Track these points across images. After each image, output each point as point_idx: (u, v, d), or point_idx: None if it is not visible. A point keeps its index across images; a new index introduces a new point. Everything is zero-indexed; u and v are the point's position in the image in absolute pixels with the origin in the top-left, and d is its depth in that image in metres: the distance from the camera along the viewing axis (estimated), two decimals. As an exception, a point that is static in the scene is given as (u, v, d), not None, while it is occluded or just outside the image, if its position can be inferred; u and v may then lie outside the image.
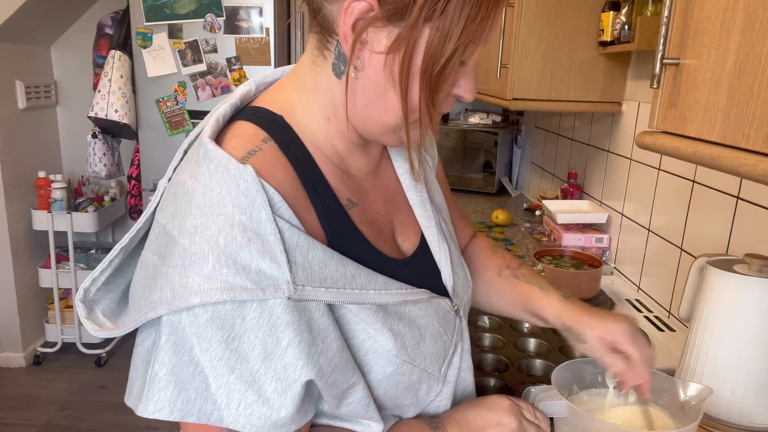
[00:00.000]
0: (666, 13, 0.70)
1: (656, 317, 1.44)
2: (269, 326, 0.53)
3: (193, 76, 2.53)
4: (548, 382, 0.81)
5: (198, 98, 2.56)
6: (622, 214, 1.79)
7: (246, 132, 0.61)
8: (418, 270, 0.71)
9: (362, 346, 0.61)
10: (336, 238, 0.61)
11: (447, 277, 0.74)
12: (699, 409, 0.75)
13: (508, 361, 1.20)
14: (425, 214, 0.75)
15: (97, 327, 0.60)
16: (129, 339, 3.19)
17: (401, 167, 0.76)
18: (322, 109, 0.63)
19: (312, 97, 0.64)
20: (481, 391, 1.03)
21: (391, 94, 0.58)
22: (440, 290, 0.72)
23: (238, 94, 0.66)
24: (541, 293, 0.85)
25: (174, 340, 0.53)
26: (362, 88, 0.59)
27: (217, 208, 0.53)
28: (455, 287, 0.75)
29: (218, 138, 0.60)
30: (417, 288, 0.67)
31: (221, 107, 0.63)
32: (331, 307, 0.58)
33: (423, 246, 0.74)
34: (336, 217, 0.63)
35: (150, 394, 0.53)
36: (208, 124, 0.60)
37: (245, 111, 0.64)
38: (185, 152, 0.62)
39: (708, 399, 0.79)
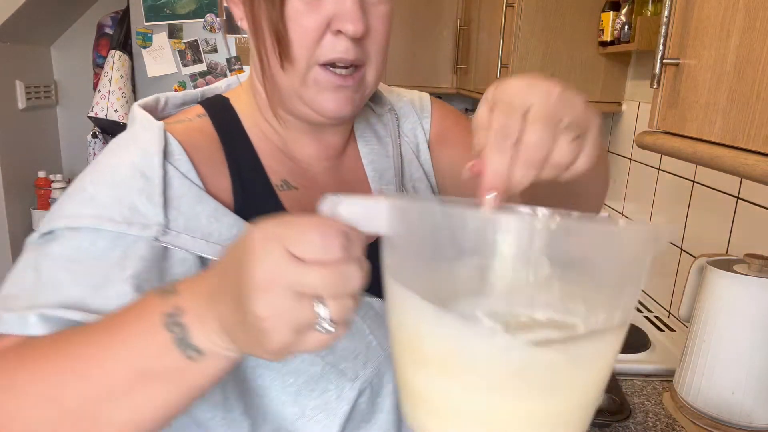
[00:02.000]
0: (666, 13, 0.70)
1: (656, 317, 1.44)
2: (118, 259, 0.51)
3: (193, 76, 2.53)
4: None
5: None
6: (622, 214, 1.79)
7: (188, 110, 0.65)
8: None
9: None
10: (249, 209, 0.60)
11: None
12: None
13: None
14: None
15: None
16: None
17: (367, 157, 0.72)
18: (251, 85, 0.65)
19: (251, 76, 0.66)
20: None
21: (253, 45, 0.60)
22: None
23: (204, 88, 0.71)
24: None
25: (25, 255, 0.54)
26: (252, 48, 0.61)
27: (117, 150, 0.56)
28: None
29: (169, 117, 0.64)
30: None
31: (173, 92, 0.69)
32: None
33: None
34: (256, 189, 0.62)
35: None
36: (146, 98, 0.64)
37: (205, 98, 0.69)
38: None
39: (707, 398, 0.78)
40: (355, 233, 0.38)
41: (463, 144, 0.76)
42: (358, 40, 0.58)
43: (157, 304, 0.42)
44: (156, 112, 0.65)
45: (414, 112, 0.79)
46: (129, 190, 0.53)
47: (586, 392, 0.40)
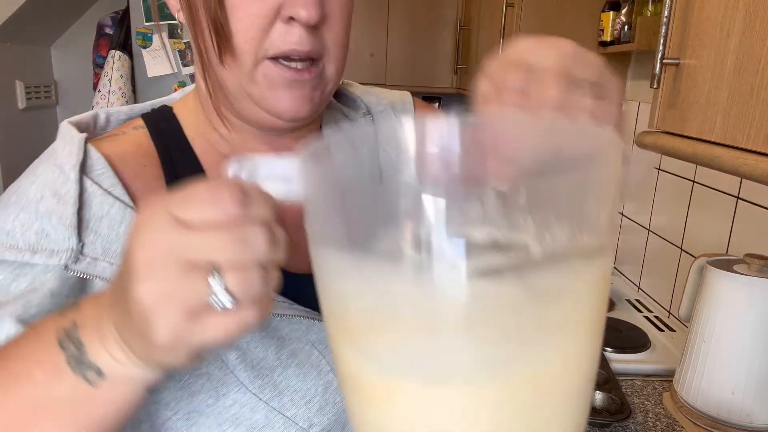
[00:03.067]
0: (666, 13, 0.70)
1: (656, 317, 1.44)
2: (22, 293, 0.44)
3: (193, 76, 2.53)
4: None
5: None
6: (622, 214, 1.79)
7: (128, 124, 0.58)
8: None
9: None
10: None
11: None
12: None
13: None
14: None
15: None
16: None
17: None
18: (196, 92, 0.59)
19: (196, 83, 0.59)
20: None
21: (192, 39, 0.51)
22: None
23: (157, 99, 0.64)
24: None
25: None
26: (192, 42, 0.53)
27: (33, 168, 0.50)
28: None
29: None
30: (298, 304, 0.51)
31: (118, 107, 0.62)
32: None
33: None
34: None
35: None
36: (83, 114, 0.58)
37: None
38: None
39: (707, 398, 0.78)
40: (256, 191, 0.32)
41: None
42: (314, 29, 0.50)
43: (56, 321, 0.36)
44: (93, 129, 0.57)
45: (393, 116, 0.71)
46: (37, 213, 0.46)
47: (565, 351, 0.29)
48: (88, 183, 0.48)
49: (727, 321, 0.91)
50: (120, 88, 2.54)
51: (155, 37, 2.47)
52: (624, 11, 1.53)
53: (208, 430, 0.47)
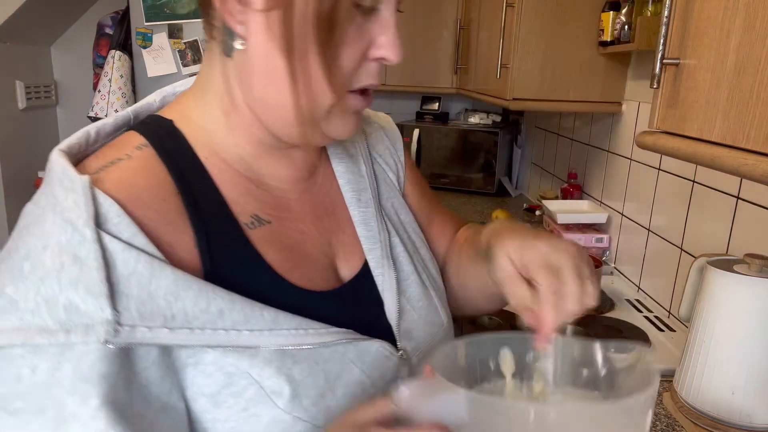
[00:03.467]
0: (666, 13, 0.70)
1: (656, 317, 1.44)
2: (71, 381, 0.40)
3: (193, 76, 2.53)
4: None
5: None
6: (622, 214, 1.79)
7: (123, 141, 0.52)
8: (353, 302, 0.58)
9: (242, 395, 0.47)
10: (219, 265, 0.50)
11: (391, 312, 0.59)
12: (649, 372, 0.49)
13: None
14: (369, 234, 0.62)
15: None
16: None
17: (343, 177, 0.65)
18: (218, 102, 0.54)
19: (208, 92, 0.55)
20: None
21: (281, 63, 0.49)
22: (380, 328, 0.58)
23: (135, 106, 0.58)
24: (483, 226, 0.69)
25: None
26: (253, 62, 0.50)
27: (34, 227, 0.43)
28: (404, 324, 0.60)
29: (99, 152, 0.52)
30: (332, 326, 0.53)
31: (103, 120, 0.55)
32: (177, 352, 0.46)
33: (366, 272, 0.61)
34: (224, 239, 0.51)
35: None
36: (72, 136, 0.51)
37: (139, 122, 0.57)
38: None
39: (707, 398, 0.78)
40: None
41: (419, 184, 0.77)
42: None
43: None
44: (85, 148, 0.52)
45: (386, 138, 0.74)
46: (60, 285, 0.41)
47: None
48: (106, 239, 0.43)
49: (727, 321, 0.91)
50: (120, 88, 2.54)
51: (155, 37, 2.47)
52: (624, 11, 1.53)
53: None
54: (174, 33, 2.48)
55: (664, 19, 0.70)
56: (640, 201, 1.66)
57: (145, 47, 2.50)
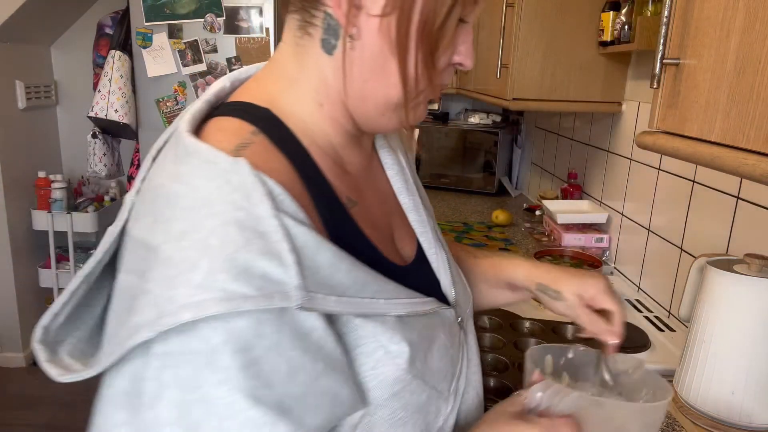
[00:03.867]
0: (666, 13, 0.70)
1: (656, 317, 1.44)
2: (291, 340, 0.45)
3: (193, 76, 2.53)
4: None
5: (198, 98, 2.56)
6: (622, 214, 1.79)
7: (230, 126, 0.54)
8: (418, 279, 0.65)
9: (371, 356, 0.53)
10: (338, 240, 0.53)
11: (447, 287, 0.68)
12: (665, 388, 0.68)
13: (508, 361, 1.20)
14: (419, 219, 0.69)
15: (60, 370, 0.49)
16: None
17: (391, 168, 0.70)
18: (313, 95, 0.58)
19: (299, 84, 0.58)
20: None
21: (391, 62, 0.54)
22: (441, 299, 0.66)
23: (212, 90, 0.61)
24: (507, 260, 0.83)
25: (177, 373, 0.42)
26: (359, 60, 0.54)
27: (205, 208, 0.45)
28: (457, 297, 0.68)
29: (197, 136, 0.53)
30: (427, 297, 0.61)
31: (194, 104, 0.57)
32: (330, 318, 0.50)
33: (419, 254, 0.68)
34: (337, 217, 0.56)
35: None
36: (183, 120, 0.53)
37: (223, 107, 0.58)
38: (154, 160, 0.54)
39: (707, 398, 0.79)
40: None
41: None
42: None
43: None
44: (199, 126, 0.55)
45: (396, 134, 0.79)
46: (251, 256, 0.43)
47: None
48: (281, 214, 0.46)
49: (727, 321, 0.91)
50: (120, 88, 2.54)
51: (155, 37, 2.47)
52: (624, 11, 1.53)
53: (389, 415, 0.55)
54: (174, 33, 2.48)
55: (664, 19, 0.70)
56: (640, 201, 1.66)
57: (145, 47, 2.50)
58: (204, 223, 0.44)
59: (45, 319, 0.52)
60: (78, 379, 0.48)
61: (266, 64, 0.62)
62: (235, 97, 0.60)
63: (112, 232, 0.51)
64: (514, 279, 0.80)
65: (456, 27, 0.55)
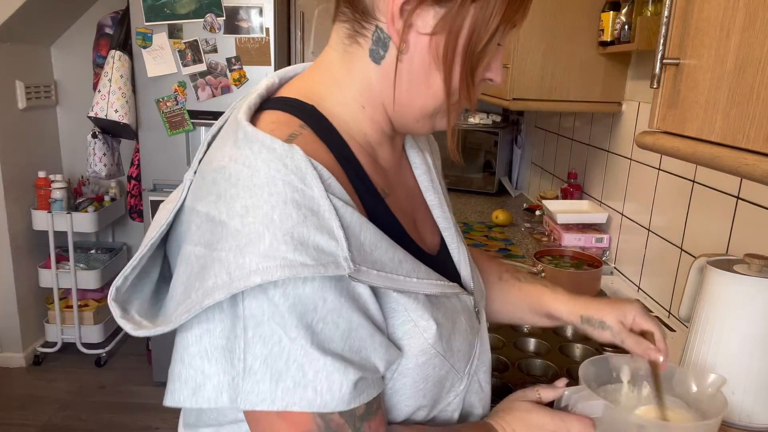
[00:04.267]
0: (666, 13, 0.70)
1: (656, 317, 1.44)
2: (349, 303, 0.53)
3: (193, 76, 2.53)
4: (546, 381, 0.81)
5: (198, 98, 2.56)
6: (622, 214, 1.79)
7: (281, 119, 0.60)
8: (443, 268, 0.70)
9: (400, 328, 0.60)
10: (375, 224, 0.59)
11: (467, 279, 0.74)
12: (722, 398, 0.78)
13: (508, 361, 1.20)
14: (443, 215, 0.75)
15: (134, 326, 0.57)
16: (128, 340, 3.19)
17: (419, 168, 0.77)
18: (356, 98, 0.64)
19: (345, 87, 0.64)
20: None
21: (435, 75, 0.60)
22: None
23: (263, 85, 0.66)
24: (550, 292, 0.88)
25: (260, 332, 0.51)
26: (406, 71, 0.61)
27: (267, 187, 0.51)
28: (474, 290, 0.74)
29: (262, 126, 0.59)
30: (452, 282, 0.67)
31: (250, 96, 0.63)
32: (372, 290, 0.57)
33: (443, 247, 0.74)
34: (374, 204, 0.62)
35: (248, 387, 0.51)
36: (242, 111, 0.59)
37: (273, 101, 0.64)
38: (209, 144, 0.62)
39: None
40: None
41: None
42: None
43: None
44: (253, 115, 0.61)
45: (425, 137, 0.85)
46: (308, 230, 0.50)
47: None
48: (330, 196, 0.53)
49: (727, 321, 0.91)
50: (120, 88, 2.54)
51: (155, 37, 2.47)
52: (624, 11, 1.53)
53: (412, 383, 0.62)
54: (174, 33, 2.48)
55: (664, 19, 0.70)
56: (640, 201, 1.66)
57: (145, 47, 2.50)
58: (267, 200, 0.51)
59: (117, 280, 0.60)
60: (151, 335, 0.56)
61: (312, 65, 0.68)
62: (283, 93, 0.66)
63: (169, 208, 0.60)
64: (557, 313, 0.87)
65: (495, 49, 0.62)
